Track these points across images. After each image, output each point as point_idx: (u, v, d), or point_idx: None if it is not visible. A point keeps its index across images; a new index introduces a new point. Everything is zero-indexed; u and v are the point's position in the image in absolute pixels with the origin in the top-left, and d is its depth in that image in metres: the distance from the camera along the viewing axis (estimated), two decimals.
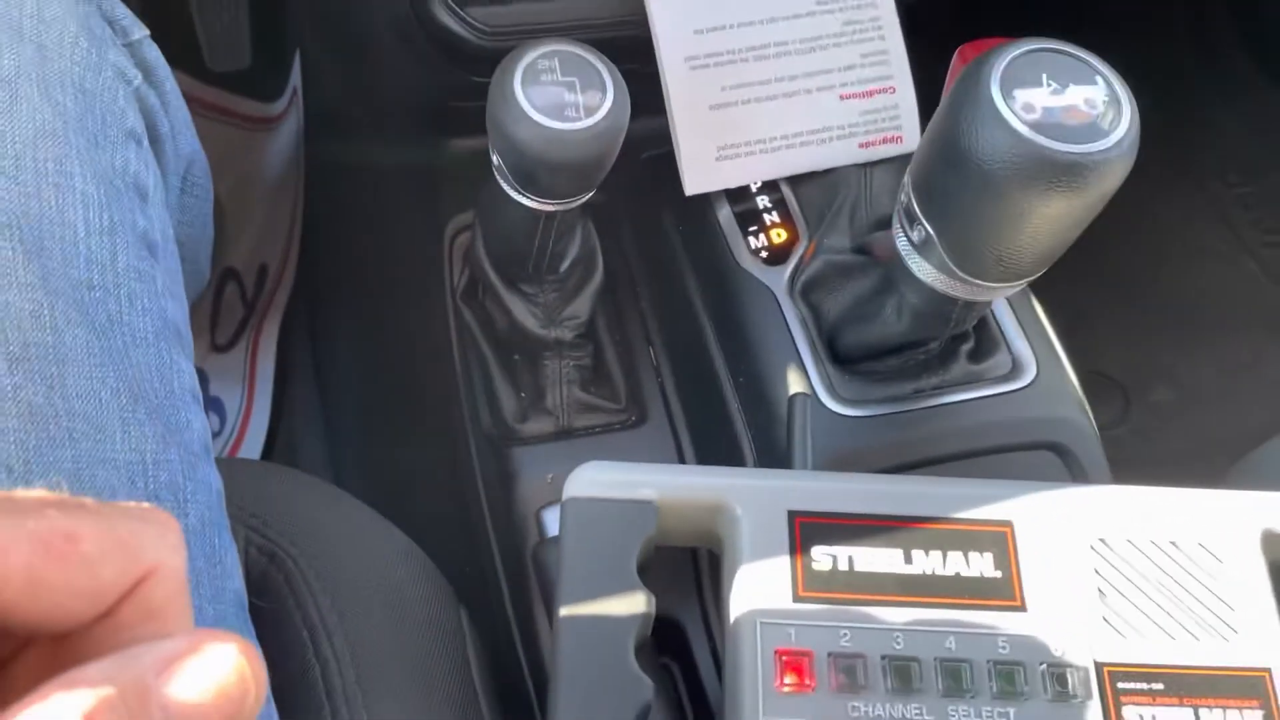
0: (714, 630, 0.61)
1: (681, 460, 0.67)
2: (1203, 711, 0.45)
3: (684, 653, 0.62)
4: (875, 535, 0.48)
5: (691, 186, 0.65)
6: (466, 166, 0.71)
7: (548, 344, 0.67)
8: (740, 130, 0.65)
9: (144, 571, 0.25)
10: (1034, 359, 0.60)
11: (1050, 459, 0.58)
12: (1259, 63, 1.19)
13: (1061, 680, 0.45)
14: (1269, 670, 0.46)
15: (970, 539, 0.48)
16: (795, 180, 0.67)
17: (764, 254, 0.64)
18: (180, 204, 0.59)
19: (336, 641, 0.53)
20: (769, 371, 0.60)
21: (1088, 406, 0.61)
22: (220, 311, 1.09)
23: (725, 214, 0.66)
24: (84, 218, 0.46)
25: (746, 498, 0.49)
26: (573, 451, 0.66)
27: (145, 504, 0.26)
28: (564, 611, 0.46)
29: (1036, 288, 0.61)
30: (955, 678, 0.45)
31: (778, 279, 0.63)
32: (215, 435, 1.03)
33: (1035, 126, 0.43)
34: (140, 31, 0.54)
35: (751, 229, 0.65)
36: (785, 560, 0.48)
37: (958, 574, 0.48)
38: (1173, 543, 0.49)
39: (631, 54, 0.60)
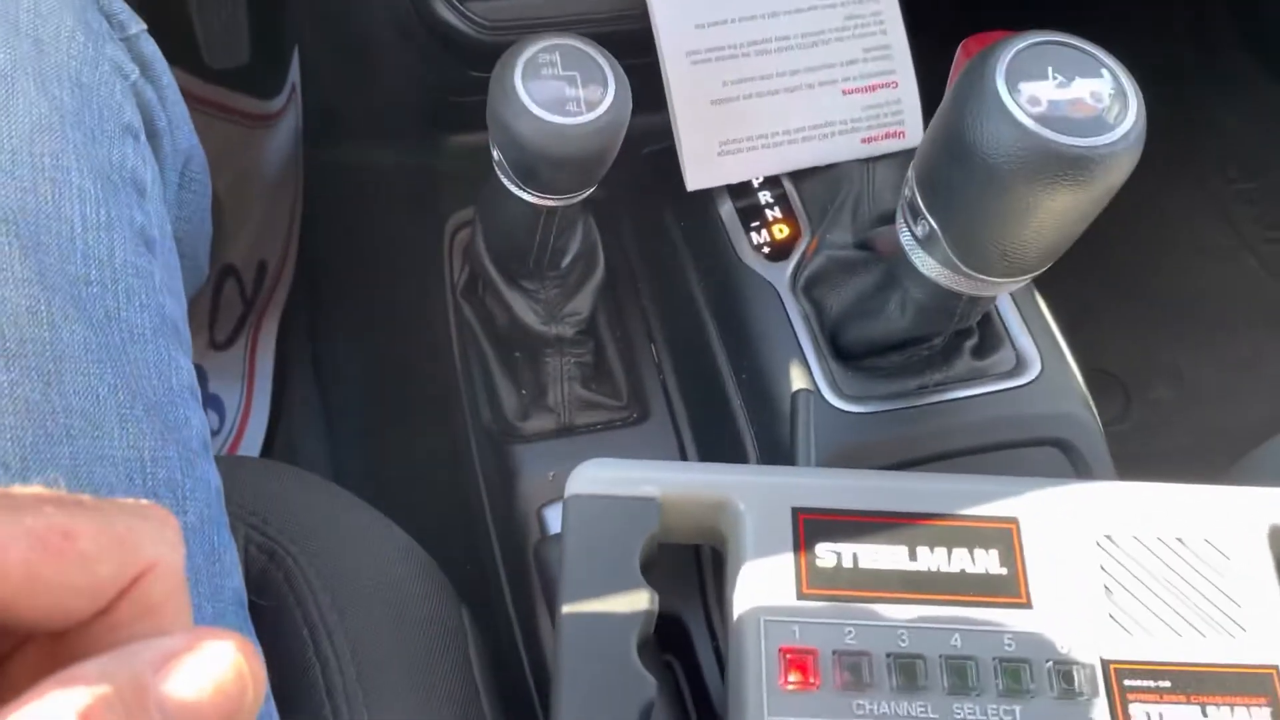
0: (717, 628, 0.61)
1: (684, 457, 0.67)
2: (1210, 709, 0.45)
3: (687, 651, 0.62)
4: (879, 532, 0.48)
5: (693, 182, 0.65)
6: (467, 162, 0.71)
7: (549, 341, 0.66)
8: (742, 125, 0.64)
9: (142, 568, 0.25)
10: (1038, 355, 0.60)
11: (1055, 455, 0.58)
12: (1259, 59, 1.19)
13: (1068, 678, 0.45)
14: (1277, 667, 0.46)
15: (975, 535, 0.48)
16: (797, 175, 0.67)
17: (766, 250, 0.64)
18: (178, 200, 0.59)
19: (336, 640, 0.52)
20: (771, 368, 0.59)
21: (1092, 403, 0.60)
22: (219, 308, 1.09)
23: (727, 209, 0.66)
24: (81, 213, 0.45)
25: (750, 494, 0.49)
26: (574, 449, 0.66)
27: (143, 501, 0.26)
28: (566, 609, 0.46)
29: (1039, 283, 0.61)
30: (961, 675, 0.45)
31: (780, 275, 0.63)
32: (214, 433, 1.02)
33: (1041, 120, 0.43)
34: (138, 26, 0.54)
35: (754, 224, 0.65)
36: (789, 557, 0.47)
37: (963, 571, 0.47)
38: (1179, 539, 0.48)
39: (632, 48, 0.60)
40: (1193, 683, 0.45)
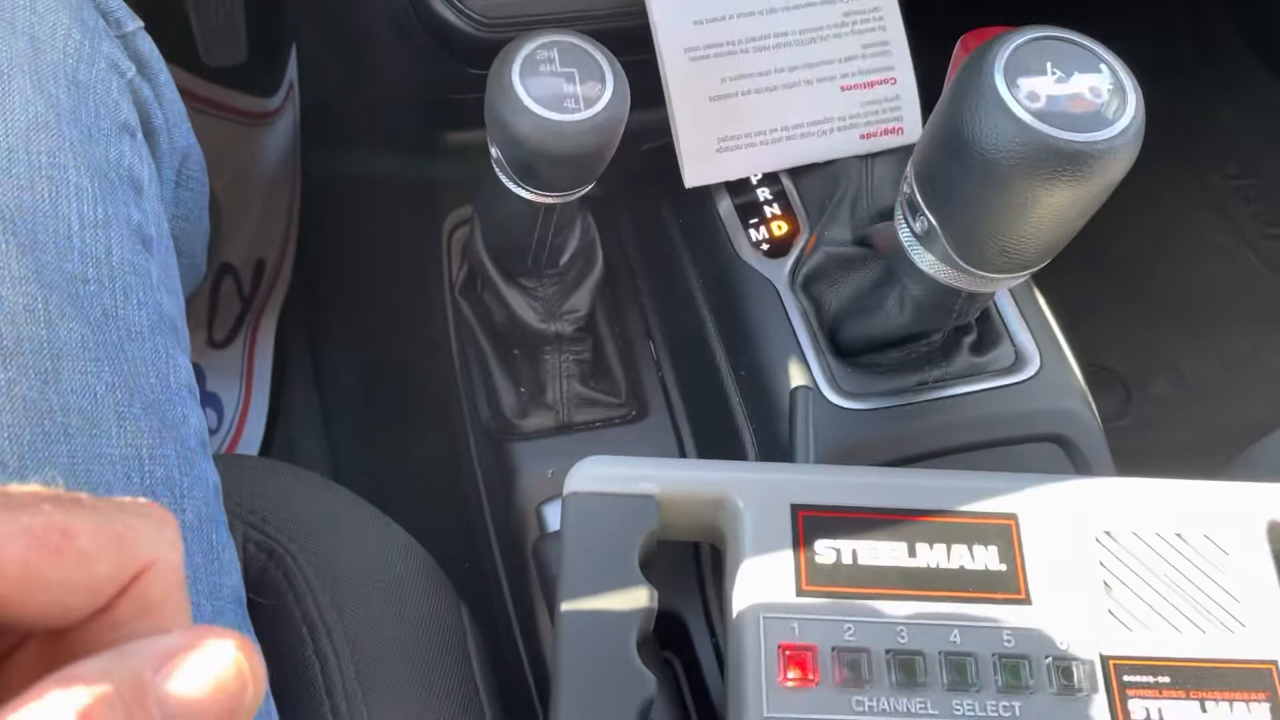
0: (716, 625, 0.61)
1: (683, 454, 0.66)
2: (1209, 704, 0.45)
3: (686, 647, 0.62)
4: (879, 528, 0.48)
5: (691, 179, 0.64)
6: (465, 160, 0.71)
7: (547, 338, 0.66)
8: (740, 122, 0.64)
9: (140, 566, 0.25)
10: (1037, 351, 0.60)
11: (1054, 451, 0.58)
12: (1258, 55, 1.19)
13: (1067, 674, 0.45)
14: (1276, 662, 0.46)
15: (974, 532, 0.48)
16: (796, 172, 0.66)
17: (765, 246, 0.64)
18: (175, 198, 0.59)
19: (336, 637, 0.52)
20: (770, 365, 0.59)
21: (1091, 399, 0.60)
22: (217, 307, 1.09)
23: (726, 206, 0.66)
24: (78, 211, 0.45)
25: (749, 491, 0.49)
26: (573, 446, 0.66)
27: (142, 499, 0.26)
28: (565, 607, 0.46)
29: (1038, 279, 0.61)
30: (960, 671, 0.45)
31: (779, 271, 0.63)
32: (213, 431, 1.02)
33: (1039, 115, 0.43)
34: (134, 23, 0.54)
35: (752, 221, 0.65)
36: (788, 554, 0.47)
37: (962, 567, 0.47)
38: (1178, 535, 0.48)
39: (630, 45, 0.59)
40: (1192, 678, 0.45)
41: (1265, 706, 0.45)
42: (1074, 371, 0.61)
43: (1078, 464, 0.58)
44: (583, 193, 0.58)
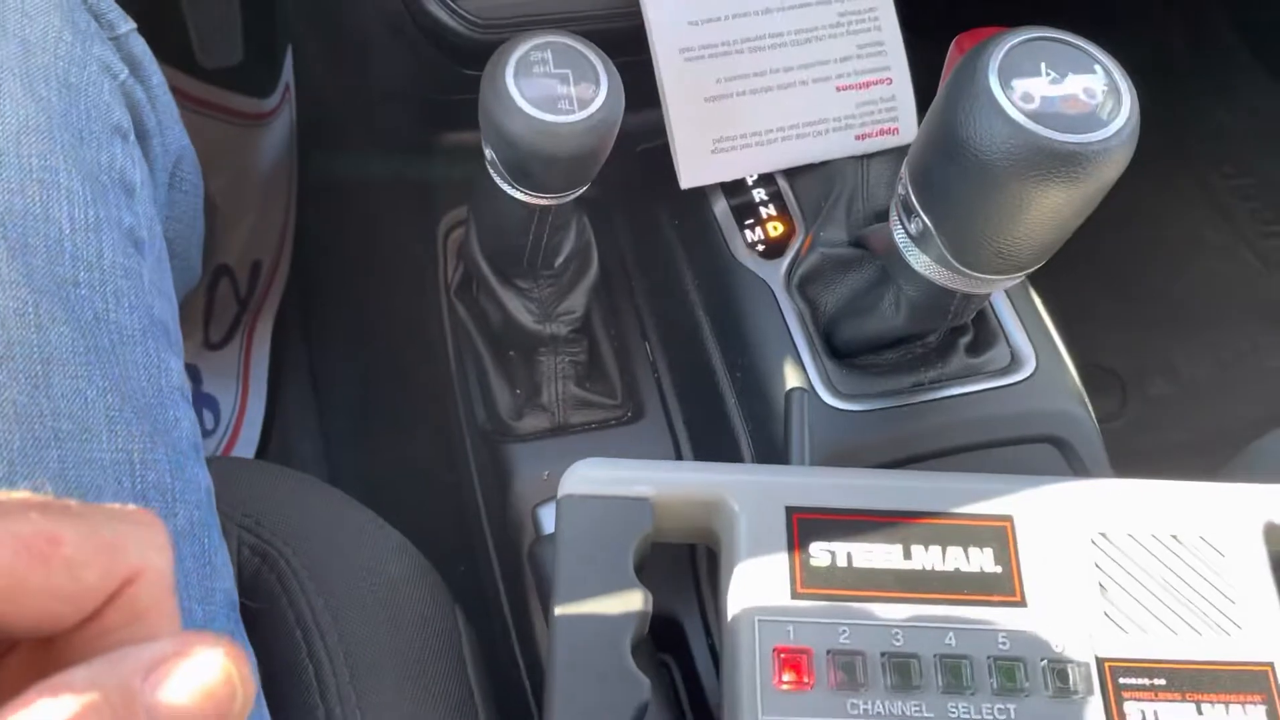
0: (713, 627, 0.61)
1: (678, 456, 0.66)
2: (1205, 707, 0.45)
3: (682, 650, 0.62)
4: (874, 531, 0.48)
5: (687, 180, 0.64)
6: (460, 161, 0.71)
7: (543, 339, 0.66)
8: (736, 123, 0.64)
9: (129, 574, 0.25)
10: (1033, 352, 0.60)
11: (1050, 452, 0.58)
12: (1255, 54, 1.19)
13: (1062, 676, 0.45)
14: (1272, 664, 0.46)
15: (970, 534, 0.48)
16: (791, 173, 0.66)
17: (760, 247, 0.64)
18: (169, 200, 0.59)
19: (330, 641, 0.52)
20: (766, 366, 0.59)
21: (1087, 399, 0.60)
22: (214, 308, 1.09)
23: (721, 207, 0.66)
24: (69, 214, 0.45)
25: (744, 494, 0.48)
26: (569, 448, 0.66)
27: (130, 505, 0.26)
28: (559, 611, 0.46)
29: (1034, 279, 0.61)
30: (955, 674, 0.45)
31: (774, 273, 0.62)
32: (210, 433, 1.02)
33: (1034, 116, 0.43)
34: (126, 25, 0.53)
35: (748, 222, 0.65)
36: (783, 557, 0.47)
37: (957, 569, 0.47)
38: (1174, 536, 0.48)
39: (625, 46, 0.59)
40: (1188, 680, 0.45)
41: (1261, 709, 0.45)
42: (1070, 372, 0.60)
43: (1074, 465, 0.58)
44: (578, 194, 0.58)
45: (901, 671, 0.45)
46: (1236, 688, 0.45)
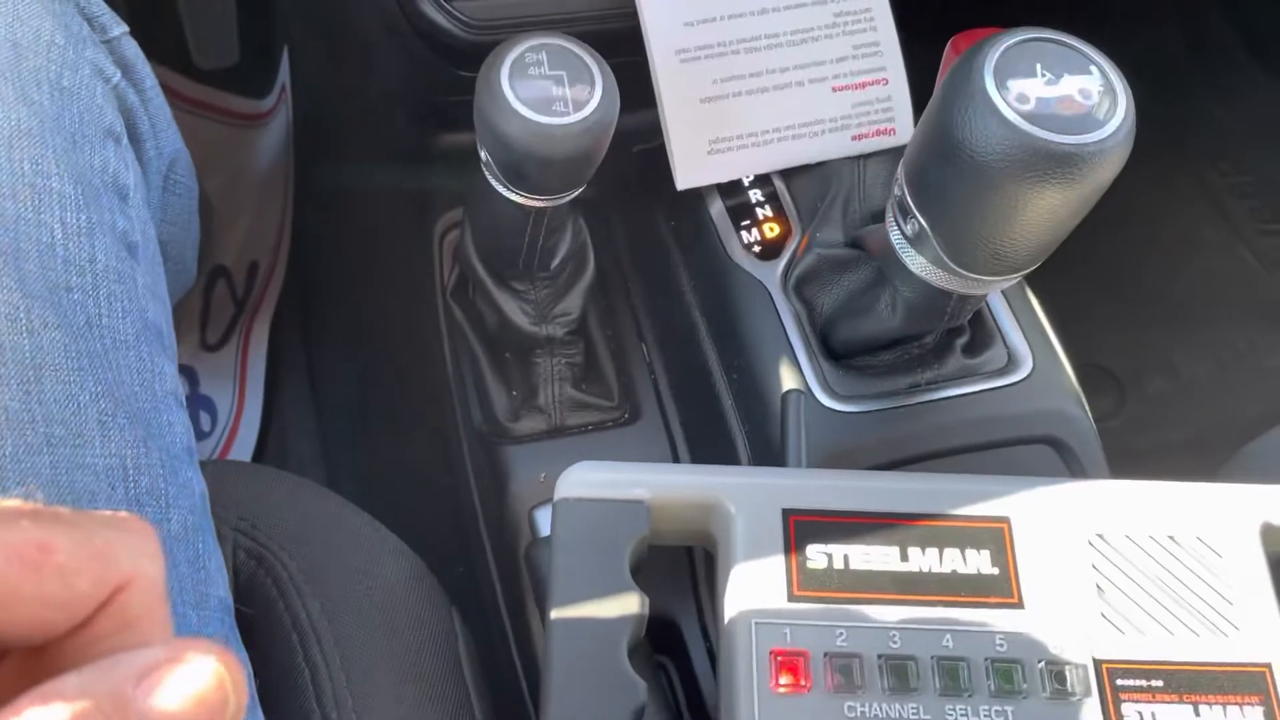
0: (710, 629, 0.61)
1: (675, 457, 0.66)
2: (1203, 708, 0.45)
3: (680, 652, 0.62)
4: (870, 533, 0.48)
5: (683, 181, 0.64)
6: (455, 163, 0.71)
7: (539, 341, 0.66)
8: (732, 124, 0.64)
9: (120, 581, 0.25)
10: (1030, 352, 0.60)
11: (1047, 453, 0.58)
12: (1252, 51, 1.19)
13: (1060, 678, 0.45)
14: (1270, 665, 0.46)
15: (967, 536, 0.48)
16: (788, 174, 0.66)
17: (757, 249, 0.64)
18: (163, 203, 0.58)
19: (326, 645, 0.52)
20: (762, 367, 0.59)
21: (1084, 400, 0.60)
22: (211, 310, 1.09)
23: (717, 208, 0.66)
24: (61, 219, 0.45)
25: (740, 496, 0.48)
26: (565, 449, 0.66)
27: (122, 512, 0.26)
28: (556, 614, 0.46)
29: (1031, 280, 0.60)
30: (953, 676, 0.45)
31: (771, 274, 0.62)
32: (207, 435, 1.02)
33: (1029, 117, 0.42)
34: (119, 28, 0.53)
35: (744, 223, 0.65)
36: (780, 559, 0.47)
37: (954, 571, 0.47)
38: (1171, 537, 0.48)
39: (621, 47, 0.59)
40: (1185, 682, 0.45)
41: (1259, 710, 0.45)
42: (1067, 373, 0.60)
43: (1071, 466, 0.58)
44: (573, 195, 0.58)
45: (899, 674, 0.45)
46: (1234, 689, 0.45)
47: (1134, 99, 0.44)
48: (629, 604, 0.46)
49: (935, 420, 0.57)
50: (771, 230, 0.64)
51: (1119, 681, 0.45)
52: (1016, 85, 0.43)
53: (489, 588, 0.67)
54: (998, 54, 0.44)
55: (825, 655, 0.45)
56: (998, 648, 0.45)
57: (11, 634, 0.23)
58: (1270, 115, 1.19)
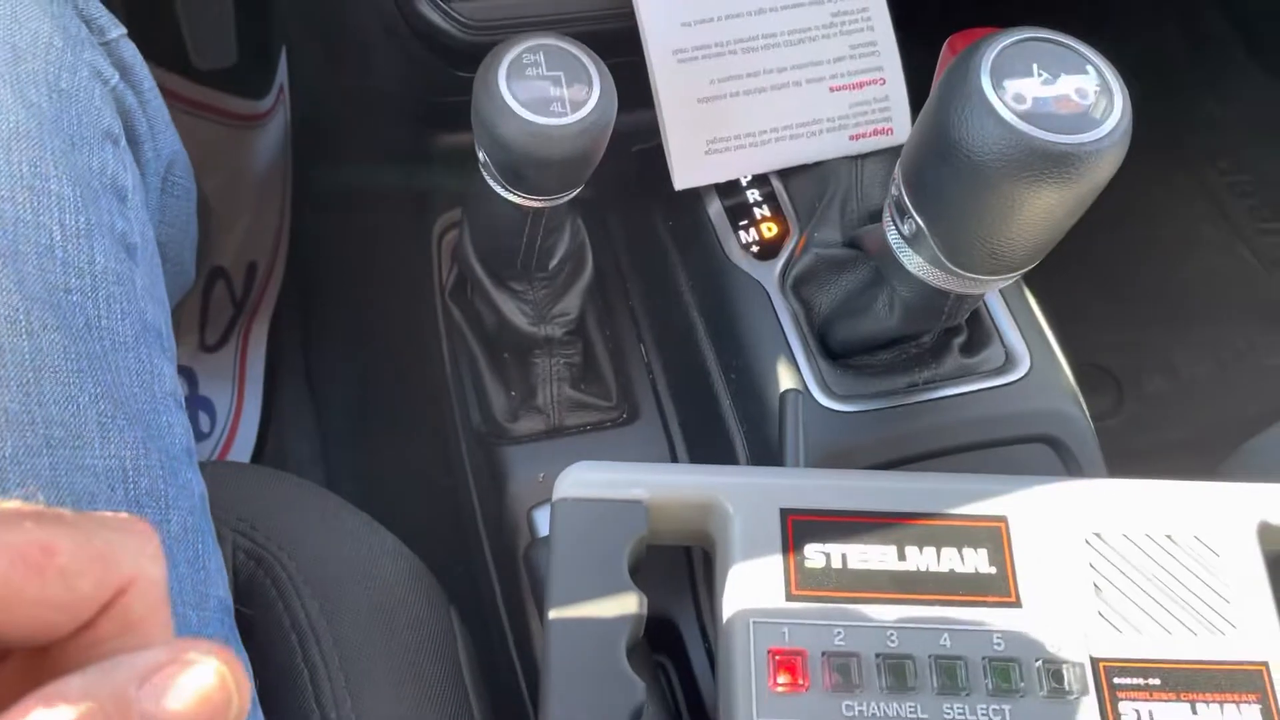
0: (709, 628, 0.61)
1: (674, 457, 0.66)
2: (1200, 706, 0.45)
3: (679, 651, 0.62)
4: (868, 532, 0.48)
5: (681, 181, 0.64)
6: (454, 163, 0.71)
7: (537, 341, 0.66)
8: (729, 124, 0.64)
9: (122, 583, 0.25)
10: (1027, 352, 0.60)
11: (1045, 452, 0.58)
12: (1251, 50, 1.19)
13: (1057, 676, 0.45)
14: (1267, 664, 0.46)
15: (964, 535, 0.48)
16: (785, 174, 0.66)
17: (755, 248, 0.64)
18: (161, 204, 0.59)
19: (325, 645, 0.52)
20: (760, 367, 0.59)
21: (1082, 399, 0.60)
22: (209, 310, 1.09)
23: (715, 208, 0.66)
24: (60, 221, 0.45)
25: (738, 496, 0.48)
26: (564, 449, 0.66)
27: (124, 514, 0.26)
28: (554, 614, 0.46)
29: (1029, 279, 0.61)
30: (950, 675, 0.45)
31: (769, 274, 0.62)
32: (206, 435, 1.02)
33: (1026, 117, 0.43)
34: (117, 30, 0.53)
35: (742, 223, 0.65)
36: (778, 559, 0.47)
37: (952, 570, 0.47)
38: (1168, 536, 0.48)
39: (618, 46, 0.59)
40: (1183, 680, 0.45)
41: (1256, 708, 0.45)
42: (1064, 372, 0.60)
43: (1069, 465, 0.58)
44: (571, 196, 0.58)
45: (896, 673, 0.45)
46: (1231, 687, 0.45)
47: (1133, 98, 0.44)
48: (627, 604, 0.46)
49: (933, 420, 0.58)
50: (769, 230, 0.65)
51: (1116, 680, 0.45)
52: (1013, 85, 0.43)
53: (488, 588, 0.67)
54: (994, 54, 0.44)
55: (823, 654, 0.45)
56: (995, 647, 0.46)
57: (14, 635, 0.24)
58: (1269, 114, 1.19)
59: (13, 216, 0.44)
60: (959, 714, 0.44)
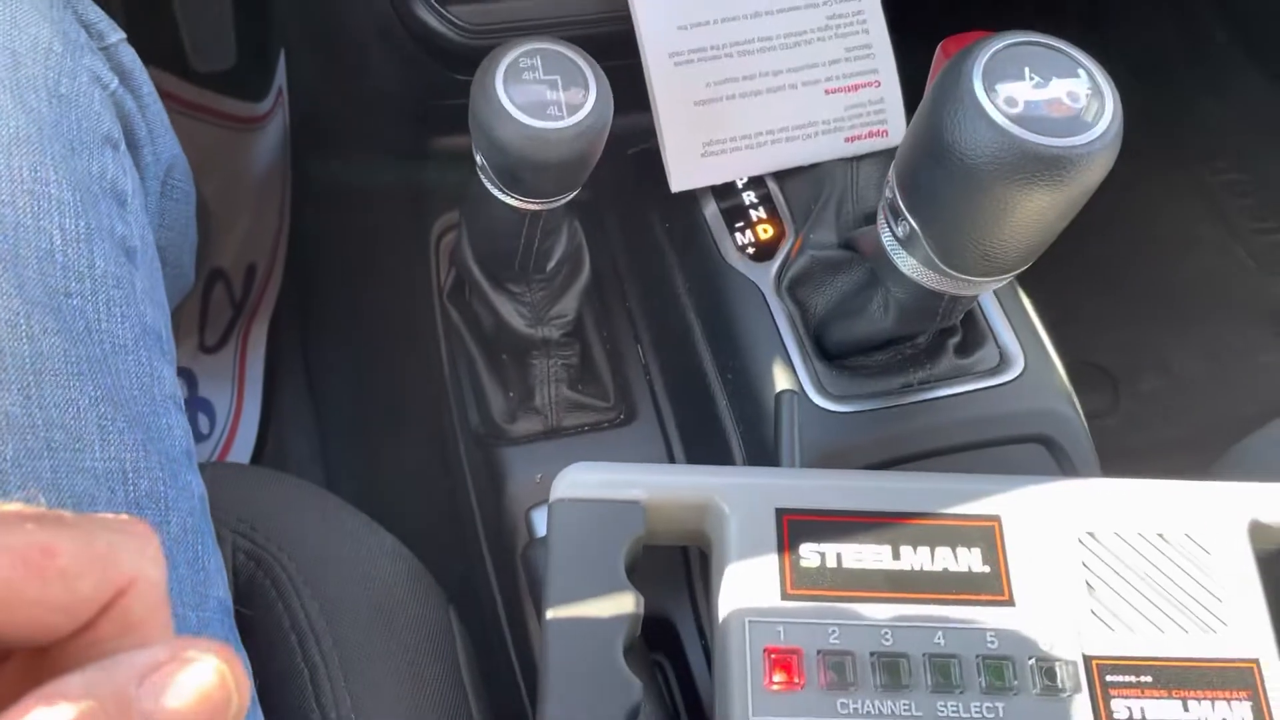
0: (706, 627, 0.61)
1: (671, 457, 0.67)
2: (1191, 703, 0.45)
3: (677, 650, 0.62)
4: (863, 532, 0.48)
5: (677, 184, 0.65)
6: (452, 165, 0.71)
7: (535, 343, 0.66)
8: (725, 126, 0.64)
9: (122, 584, 0.25)
10: (1022, 352, 0.60)
11: (1039, 452, 0.58)
12: (1247, 49, 1.19)
13: (1050, 674, 0.45)
14: (1258, 661, 0.46)
15: (958, 534, 0.48)
16: (781, 176, 0.67)
17: (751, 250, 0.64)
18: (160, 208, 0.59)
19: (325, 645, 0.53)
20: (757, 368, 0.60)
21: (1075, 398, 0.61)
22: (209, 312, 1.09)
23: (711, 210, 0.66)
24: (60, 225, 0.45)
25: (734, 496, 0.49)
26: (562, 450, 0.66)
27: (124, 515, 0.26)
28: (551, 614, 0.46)
29: (1025, 278, 0.61)
30: (944, 673, 0.45)
31: (764, 275, 0.63)
32: (205, 437, 1.02)
33: (1018, 120, 0.43)
34: (116, 35, 0.54)
35: (738, 225, 0.65)
36: (773, 558, 0.47)
37: (946, 569, 0.48)
38: (1160, 535, 0.49)
39: (615, 49, 0.60)
40: (1174, 678, 0.46)
41: (1247, 705, 0.45)
42: (1058, 372, 0.61)
43: (1063, 464, 0.58)
44: (568, 198, 0.59)
45: (891, 671, 0.45)
46: (1222, 684, 0.46)
47: (1130, 98, 0.44)
48: (624, 603, 0.46)
49: (927, 420, 0.58)
50: (765, 232, 0.65)
51: (1109, 678, 0.46)
52: (1005, 88, 0.44)
53: (486, 588, 0.68)
54: (986, 57, 0.44)
55: (818, 653, 0.45)
56: (989, 645, 0.46)
57: (14, 636, 0.24)
58: (1266, 114, 1.19)
59: (13, 221, 0.44)
60: (953, 712, 0.45)
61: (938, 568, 0.48)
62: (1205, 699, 0.45)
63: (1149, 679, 0.46)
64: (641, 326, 0.70)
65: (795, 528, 0.48)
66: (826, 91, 0.65)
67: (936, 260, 0.49)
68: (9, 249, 0.43)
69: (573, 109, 0.53)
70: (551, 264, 0.65)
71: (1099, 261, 1.07)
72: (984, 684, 0.45)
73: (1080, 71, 0.44)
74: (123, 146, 0.52)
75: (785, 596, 0.47)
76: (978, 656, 0.46)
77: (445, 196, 0.74)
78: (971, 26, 0.66)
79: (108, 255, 0.47)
